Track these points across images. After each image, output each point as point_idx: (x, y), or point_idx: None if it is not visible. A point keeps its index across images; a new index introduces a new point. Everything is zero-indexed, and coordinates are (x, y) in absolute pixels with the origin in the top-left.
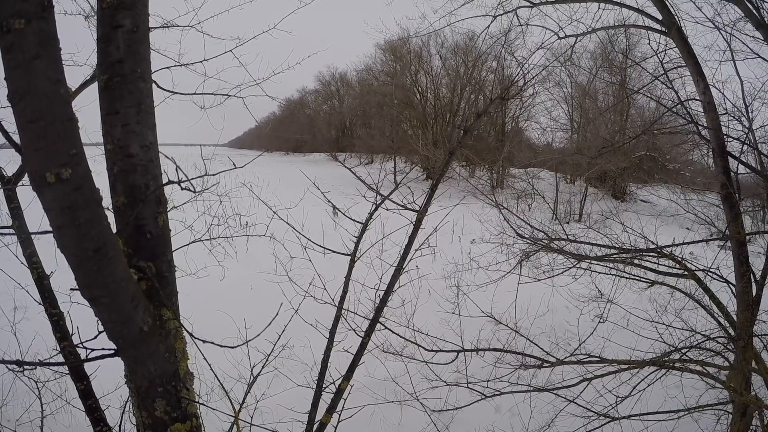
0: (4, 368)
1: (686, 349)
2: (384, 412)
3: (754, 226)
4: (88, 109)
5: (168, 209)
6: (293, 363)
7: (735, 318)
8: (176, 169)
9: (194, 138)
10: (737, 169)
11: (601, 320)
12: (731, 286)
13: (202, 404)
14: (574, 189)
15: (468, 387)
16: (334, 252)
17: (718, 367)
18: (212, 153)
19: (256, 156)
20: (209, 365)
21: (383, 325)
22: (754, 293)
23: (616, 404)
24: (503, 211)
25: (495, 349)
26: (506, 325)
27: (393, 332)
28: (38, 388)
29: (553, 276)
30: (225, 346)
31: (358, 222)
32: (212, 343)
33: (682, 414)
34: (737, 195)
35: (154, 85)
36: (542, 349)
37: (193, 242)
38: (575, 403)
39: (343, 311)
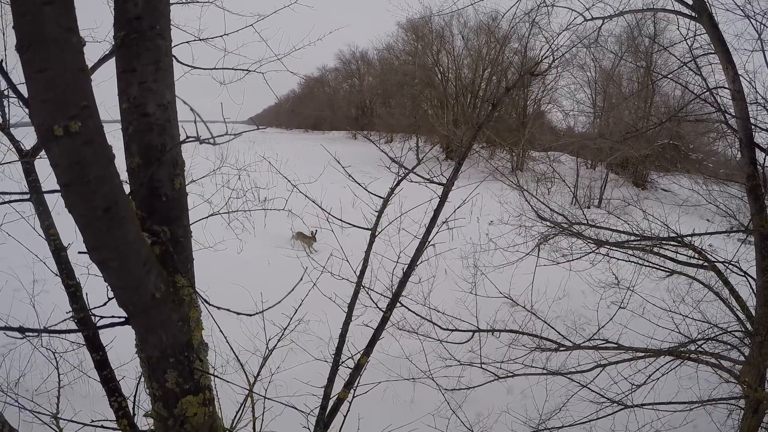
0: (23, 339)
1: (702, 341)
2: (397, 389)
3: None
4: (107, 85)
5: (187, 182)
6: (309, 338)
7: (753, 313)
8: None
9: (213, 115)
10: (764, 161)
11: (621, 306)
12: (752, 279)
13: (216, 376)
14: (595, 174)
15: (482, 367)
16: (354, 226)
17: (734, 361)
18: (232, 128)
19: (274, 131)
20: (224, 337)
21: (400, 302)
22: None
23: (630, 392)
24: (524, 193)
25: (510, 331)
26: (523, 307)
27: (409, 310)
28: (56, 359)
29: (571, 260)
30: (241, 314)
31: (379, 196)
32: (228, 310)
33: (695, 406)
34: (763, 187)
35: (174, 60)
36: (558, 332)
37: (211, 215)
38: (588, 388)
39: (361, 287)
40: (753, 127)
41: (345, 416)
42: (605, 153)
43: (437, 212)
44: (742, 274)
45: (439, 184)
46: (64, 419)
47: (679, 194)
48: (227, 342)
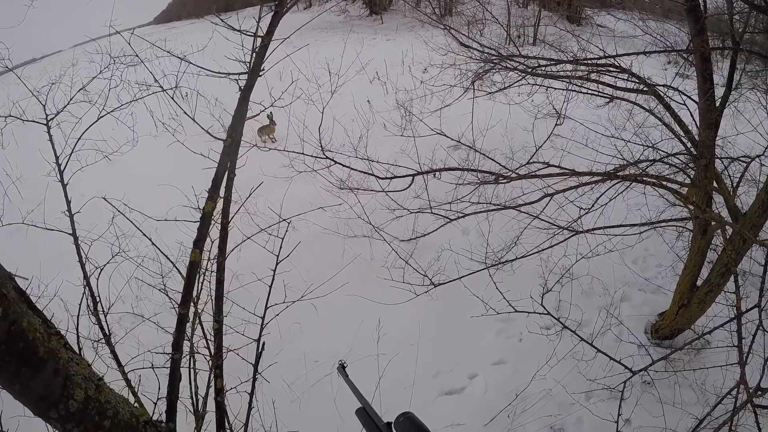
0: None
1: (648, 163)
2: (354, 249)
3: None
4: None
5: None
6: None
7: (696, 137)
8: None
9: (119, 25)
10: None
11: (558, 122)
12: (694, 101)
13: None
14: (527, 13)
15: (432, 212)
16: (224, 74)
17: (680, 184)
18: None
19: (184, 23)
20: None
21: (333, 160)
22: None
23: (579, 217)
24: (452, 32)
25: (451, 168)
26: (458, 141)
27: (343, 165)
28: None
29: (506, 88)
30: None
31: (258, 35)
32: None
33: (645, 229)
34: (703, 7)
35: None
36: (500, 164)
37: (101, 116)
38: (539, 218)
39: None
40: None
41: (271, 285)
42: None
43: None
44: (683, 100)
45: None
46: None
47: (615, 30)
48: (151, 243)
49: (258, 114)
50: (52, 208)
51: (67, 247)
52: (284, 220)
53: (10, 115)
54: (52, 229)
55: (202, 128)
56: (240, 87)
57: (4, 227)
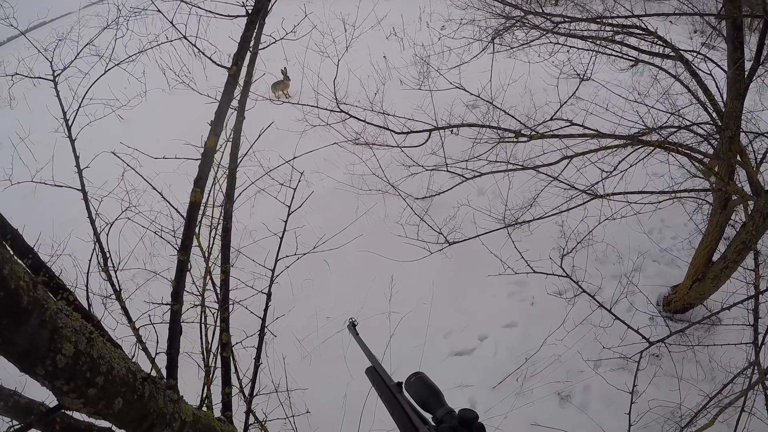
0: None
1: (672, 130)
2: (367, 204)
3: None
4: None
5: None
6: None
7: (722, 108)
8: None
9: None
10: None
11: (583, 78)
12: (722, 69)
13: None
14: None
15: (448, 170)
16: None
17: (703, 155)
18: None
19: None
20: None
21: (348, 113)
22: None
23: (600, 180)
24: None
25: (469, 124)
26: (479, 96)
27: (358, 119)
28: None
29: (528, 44)
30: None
31: None
32: None
33: (665, 198)
34: None
35: None
36: (520, 121)
37: (109, 69)
38: (558, 180)
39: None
40: None
41: (282, 236)
42: None
43: None
44: (710, 69)
45: None
46: None
47: None
48: (162, 196)
49: (268, 45)
50: (64, 169)
51: (80, 206)
52: (288, 161)
53: (17, 74)
54: (61, 186)
55: (204, 54)
56: (247, 11)
57: (17, 191)
